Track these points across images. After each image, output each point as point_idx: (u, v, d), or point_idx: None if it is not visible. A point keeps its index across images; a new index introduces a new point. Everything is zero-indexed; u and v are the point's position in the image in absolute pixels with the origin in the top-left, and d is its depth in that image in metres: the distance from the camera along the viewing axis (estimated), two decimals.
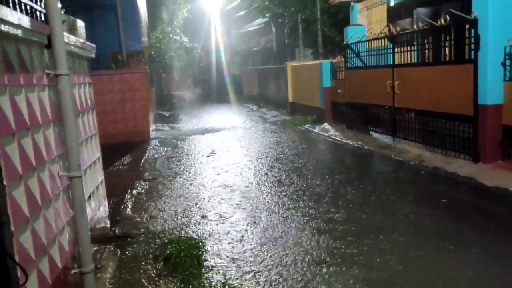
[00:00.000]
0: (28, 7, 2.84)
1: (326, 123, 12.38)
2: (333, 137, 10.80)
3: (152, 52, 18.26)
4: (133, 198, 6.36)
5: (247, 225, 5.09)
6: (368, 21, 13.04)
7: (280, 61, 22.15)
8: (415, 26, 8.71)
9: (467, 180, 6.41)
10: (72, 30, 4.15)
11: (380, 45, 9.67)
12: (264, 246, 4.46)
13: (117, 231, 5.04)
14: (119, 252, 4.51)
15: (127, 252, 4.49)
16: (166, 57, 20.39)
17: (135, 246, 4.65)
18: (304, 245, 4.41)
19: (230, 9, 34.81)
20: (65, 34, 3.31)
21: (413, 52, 8.73)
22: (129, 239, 4.82)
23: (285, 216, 5.32)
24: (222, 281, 3.79)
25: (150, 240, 4.79)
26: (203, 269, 4.01)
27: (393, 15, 11.85)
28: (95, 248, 4.17)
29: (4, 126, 2.27)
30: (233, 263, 4.14)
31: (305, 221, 5.10)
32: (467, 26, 6.95)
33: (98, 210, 4.52)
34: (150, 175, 7.76)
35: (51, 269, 2.73)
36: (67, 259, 3.08)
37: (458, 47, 7.36)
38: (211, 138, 11.86)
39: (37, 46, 2.92)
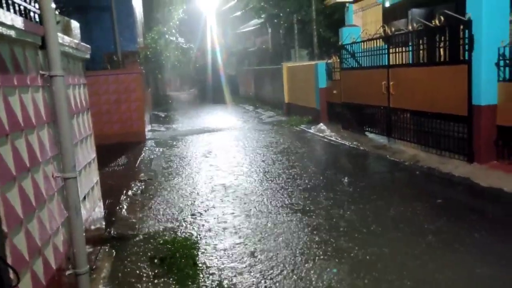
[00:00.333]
0: (22, 7, 2.84)
1: (321, 124, 12.40)
2: (329, 138, 10.82)
3: (148, 53, 18.20)
4: (128, 199, 6.34)
5: (244, 226, 5.09)
6: (364, 22, 13.06)
7: (276, 61, 22.15)
8: (410, 27, 8.74)
9: (462, 180, 6.44)
10: (67, 30, 4.14)
11: (375, 45, 9.70)
12: (262, 247, 4.46)
13: (112, 232, 5.03)
14: (114, 253, 4.50)
15: (123, 253, 4.48)
16: (162, 57, 20.33)
17: (130, 247, 4.64)
18: (293, 239, 4.43)
19: (226, 9, 34.79)
20: (60, 35, 3.30)
21: (408, 52, 8.77)
22: (124, 240, 4.81)
23: (282, 216, 5.32)
24: (218, 281, 3.79)
25: (146, 241, 4.79)
26: (198, 270, 4.02)
27: (388, 16, 11.88)
28: (90, 249, 4.16)
29: None
30: (229, 263, 4.14)
31: (300, 218, 5.11)
32: (461, 27, 6.98)
33: (93, 211, 4.51)
34: (145, 176, 7.75)
35: (45, 270, 2.72)
36: (61, 260, 3.07)
37: (453, 47, 7.39)
38: (207, 138, 11.85)
39: (31, 47, 2.91)
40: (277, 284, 3.68)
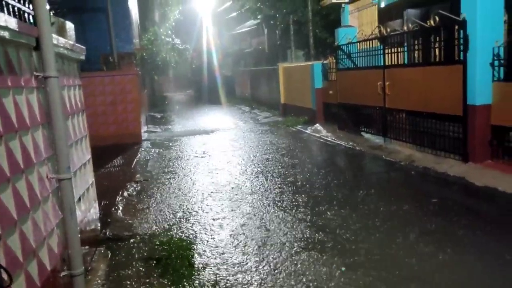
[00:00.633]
0: (16, 9, 2.83)
1: (318, 124, 12.42)
2: (325, 138, 10.83)
3: (144, 54, 18.19)
4: (124, 200, 6.33)
5: (239, 225, 5.10)
6: (359, 22, 13.09)
7: (272, 62, 22.19)
8: (405, 27, 8.78)
9: (457, 179, 6.47)
10: (61, 32, 4.13)
11: (371, 46, 9.73)
12: (260, 248, 4.47)
13: (107, 233, 5.02)
14: (109, 254, 4.48)
15: (118, 254, 4.47)
16: (158, 58, 20.31)
17: (126, 248, 4.63)
18: (292, 241, 4.44)
19: (222, 10, 34.82)
20: (54, 36, 3.30)
21: (403, 53, 8.80)
22: (120, 241, 4.80)
23: (278, 216, 5.33)
24: (213, 281, 3.79)
25: (141, 241, 4.78)
26: (194, 270, 4.01)
27: (384, 16, 11.91)
28: (86, 250, 4.16)
29: None
30: (224, 264, 4.14)
31: (294, 220, 5.12)
32: (456, 27, 7.02)
33: (88, 212, 4.50)
34: (141, 177, 7.74)
35: (39, 272, 2.72)
36: (56, 262, 3.07)
37: (448, 48, 7.43)
38: (203, 139, 11.85)
39: (25, 48, 2.91)
40: (274, 282, 3.69)
